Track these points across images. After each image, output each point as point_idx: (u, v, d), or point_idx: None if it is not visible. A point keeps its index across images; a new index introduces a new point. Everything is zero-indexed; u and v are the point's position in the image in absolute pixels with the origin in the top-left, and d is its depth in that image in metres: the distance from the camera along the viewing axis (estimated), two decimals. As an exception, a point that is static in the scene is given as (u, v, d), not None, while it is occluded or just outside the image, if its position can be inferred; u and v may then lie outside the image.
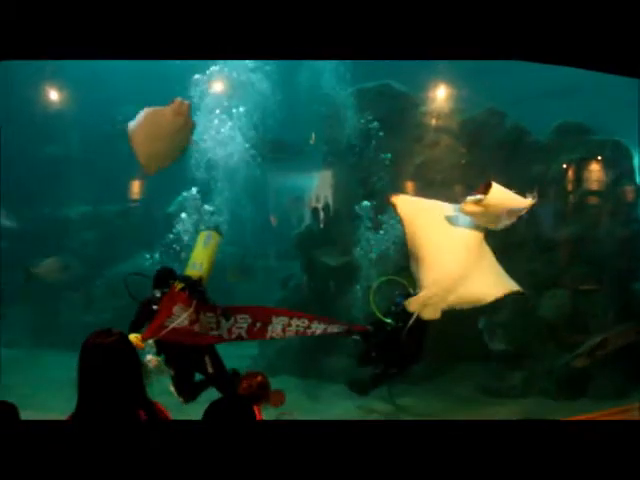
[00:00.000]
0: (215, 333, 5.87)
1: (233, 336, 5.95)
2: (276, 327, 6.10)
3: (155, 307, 5.88)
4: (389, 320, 6.70)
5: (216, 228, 7.05)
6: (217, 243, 6.58)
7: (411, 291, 6.77)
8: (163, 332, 5.41)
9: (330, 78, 14.80)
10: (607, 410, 6.09)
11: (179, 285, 5.85)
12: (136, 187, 17.93)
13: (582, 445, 2.65)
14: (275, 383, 8.35)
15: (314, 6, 4.12)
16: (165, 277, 6.12)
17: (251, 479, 2.59)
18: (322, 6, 4.12)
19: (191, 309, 5.63)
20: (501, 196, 6.36)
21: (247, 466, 2.59)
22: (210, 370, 6.08)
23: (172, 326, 5.42)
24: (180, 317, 5.51)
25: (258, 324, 5.99)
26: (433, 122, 13.17)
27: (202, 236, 6.59)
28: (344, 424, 3.40)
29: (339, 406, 10.37)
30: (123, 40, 4.51)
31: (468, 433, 2.93)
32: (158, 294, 5.95)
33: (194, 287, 5.92)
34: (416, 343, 6.86)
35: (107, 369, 2.65)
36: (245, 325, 5.95)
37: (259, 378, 4.93)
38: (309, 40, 4.54)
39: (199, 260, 6.40)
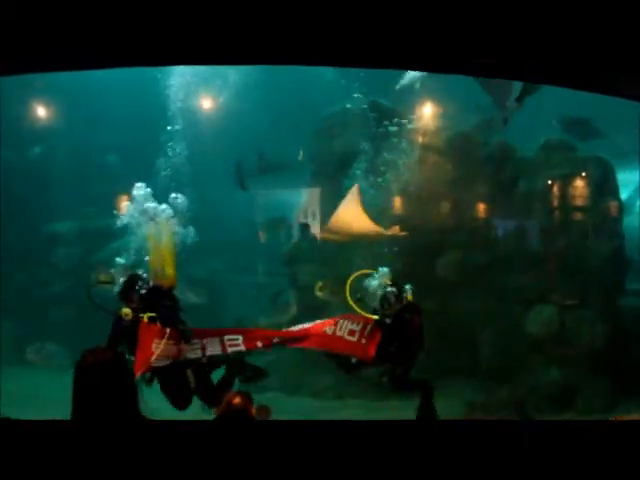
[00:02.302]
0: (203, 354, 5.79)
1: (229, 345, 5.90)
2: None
3: (125, 323, 5.60)
4: (376, 317, 6.45)
5: (159, 213, 6.12)
6: (170, 232, 6.05)
7: (397, 281, 6.61)
8: (150, 365, 5.31)
9: (319, 94, 14.95)
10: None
11: (147, 316, 5.64)
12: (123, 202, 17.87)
13: (582, 445, 2.67)
14: (263, 400, 8.36)
15: (310, 12, 4.19)
16: (134, 285, 5.83)
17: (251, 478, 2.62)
18: (320, 12, 4.19)
19: (164, 340, 5.46)
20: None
21: (247, 466, 2.62)
22: (192, 385, 5.89)
23: (158, 364, 5.33)
24: (160, 352, 5.36)
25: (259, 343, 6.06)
26: (420, 139, 13.30)
27: (150, 232, 6.03)
28: (344, 424, 3.40)
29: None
30: (120, 47, 4.54)
31: (468, 433, 2.94)
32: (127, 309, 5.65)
33: (158, 302, 5.68)
34: (419, 331, 6.57)
35: (103, 386, 2.68)
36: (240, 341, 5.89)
37: (236, 399, 4.92)
38: (305, 46, 4.62)
39: (159, 265, 5.95)
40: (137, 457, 2.57)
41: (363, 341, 6.20)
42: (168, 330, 5.54)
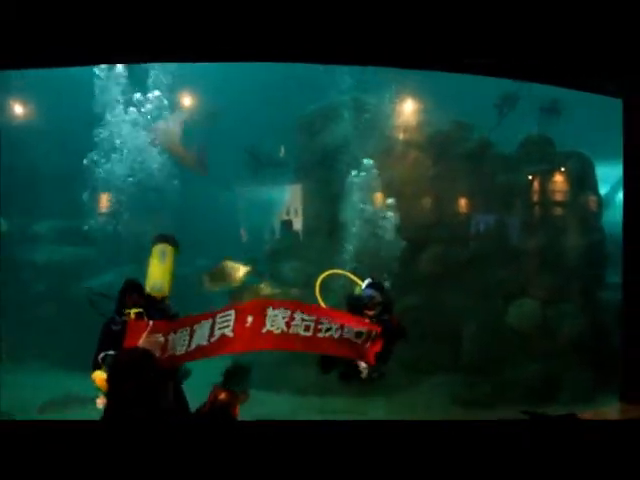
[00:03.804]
0: (188, 348, 5.48)
1: (213, 339, 5.10)
2: (276, 320, 5.19)
3: (115, 327, 5.63)
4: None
5: (170, 238, 6.28)
6: (173, 257, 6.18)
7: (381, 281, 6.34)
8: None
9: (302, 91, 14.95)
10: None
11: (134, 312, 5.66)
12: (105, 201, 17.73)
13: (582, 445, 2.69)
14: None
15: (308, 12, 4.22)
16: (131, 292, 5.85)
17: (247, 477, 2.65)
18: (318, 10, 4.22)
19: (145, 333, 5.31)
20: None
21: (226, 465, 2.65)
22: (170, 397, 5.78)
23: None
24: (142, 344, 5.18)
25: (249, 318, 5.12)
26: (401, 135, 13.36)
27: (156, 251, 6.15)
28: (338, 424, 3.41)
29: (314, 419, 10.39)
30: (121, 44, 4.56)
31: (467, 433, 2.95)
32: (117, 316, 5.68)
33: (151, 307, 5.67)
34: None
35: (134, 382, 2.96)
36: (230, 322, 5.11)
37: (221, 396, 4.93)
38: (303, 43, 4.65)
39: (158, 279, 6.06)
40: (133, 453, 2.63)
41: (367, 345, 5.67)
42: (151, 323, 5.38)
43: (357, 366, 6.07)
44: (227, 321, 5.13)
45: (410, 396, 11.63)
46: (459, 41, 4.70)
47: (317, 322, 5.41)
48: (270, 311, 5.17)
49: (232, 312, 5.11)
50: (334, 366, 6.29)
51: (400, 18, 4.23)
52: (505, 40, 4.70)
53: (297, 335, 5.31)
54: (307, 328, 5.37)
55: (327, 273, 6.40)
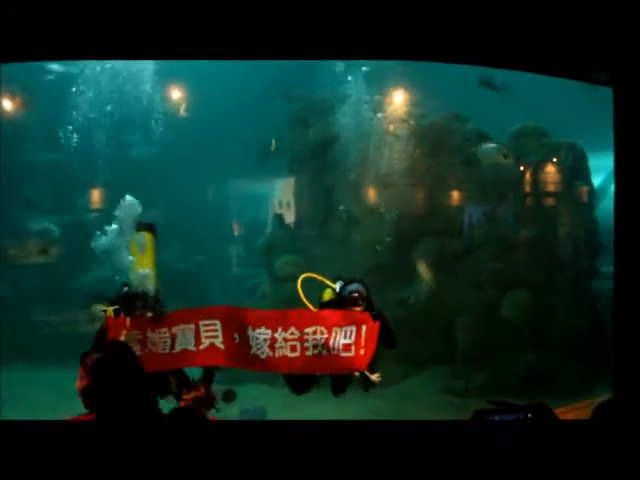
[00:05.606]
0: (173, 350, 5.45)
1: (202, 347, 5.17)
2: (259, 344, 5.20)
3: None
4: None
5: (148, 225, 6.05)
6: (152, 243, 5.96)
7: (361, 277, 6.25)
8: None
9: (294, 84, 14.93)
10: (563, 408, 6.17)
11: (110, 309, 5.47)
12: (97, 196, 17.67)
13: (578, 444, 2.67)
14: (243, 392, 8.38)
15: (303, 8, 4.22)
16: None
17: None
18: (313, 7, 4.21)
19: (125, 330, 5.13)
20: None
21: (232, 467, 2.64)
22: (175, 390, 5.79)
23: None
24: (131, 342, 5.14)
25: (236, 336, 5.18)
26: (393, 127, 13.34)
27: (134, 242, 5.90)
28: (332, 424, 3.40)
29: (312, 411, 10.40)
30: (124, 40, 4.57)
31: (462, 432, 2.94)
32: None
33: (131, 302, 5.60)
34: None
35: (115, 376, 2.89)
36: (218, 333, 5.20)
37: (200, 391, 4.98)
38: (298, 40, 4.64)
39: (140, 272, 5.76)
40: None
41: (362, 352, 5.32)
42: (128, 319, 5.35)
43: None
44: (214, 330, 5.19)
45: (405, 388, 11.66)
46: (445, 29, 4.69)
47: (302, 341, 5.29)
48: (250, 332, 5.20)
49: (217, 322, 5.18)
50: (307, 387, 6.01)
51: (382, 9, 4.21)
52: (490, 27, 4.67)
53: (285, 356, 5.26)
54: (293, 349, 5.26)
55: (303, 276, 6.28)
